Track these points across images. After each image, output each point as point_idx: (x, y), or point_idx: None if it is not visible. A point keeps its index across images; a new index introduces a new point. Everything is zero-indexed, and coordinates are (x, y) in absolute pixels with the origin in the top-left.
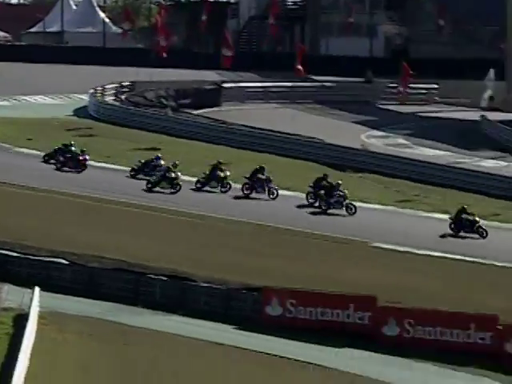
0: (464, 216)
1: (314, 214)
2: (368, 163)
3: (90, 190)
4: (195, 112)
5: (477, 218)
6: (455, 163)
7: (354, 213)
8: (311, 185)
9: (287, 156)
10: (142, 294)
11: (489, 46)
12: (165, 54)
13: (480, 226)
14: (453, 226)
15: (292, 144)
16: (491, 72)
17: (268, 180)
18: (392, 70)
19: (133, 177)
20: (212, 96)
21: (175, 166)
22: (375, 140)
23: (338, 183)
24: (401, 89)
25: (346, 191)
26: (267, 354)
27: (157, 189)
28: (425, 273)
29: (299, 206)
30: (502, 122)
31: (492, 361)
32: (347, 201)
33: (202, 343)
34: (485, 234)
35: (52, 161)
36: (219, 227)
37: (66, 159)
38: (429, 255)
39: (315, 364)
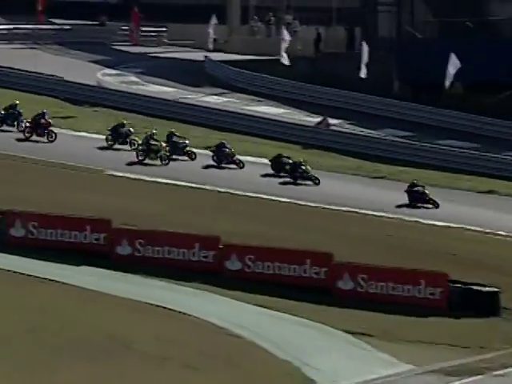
0: (416, 189)
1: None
2: (103, 99)
3: None
4: None
5: (426, 191)
6: (181, 99)
7: (318, 184)
8: (271, 161)
9: (30, 92)
10: None
11: None
12: None
13: (431, 198)
14: (409, 197)
15: (35, 81)
16: (214, 17)
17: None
18: (124, 15)
19: (110, 147)
20: None
21: (153, 135)
22: (109, 78)
23: (300, 161)
24: (134, 31)
25: (309, 167)
26: (12, 271)
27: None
28: (153, 198)
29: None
30: (223, 61)
31: (214, 277)
32: (310, 173)
33: None
34: (436, 204)
35: (4, 127)
36: None
37: (32, 126)
38: (156, 181)
39: (56, 280)
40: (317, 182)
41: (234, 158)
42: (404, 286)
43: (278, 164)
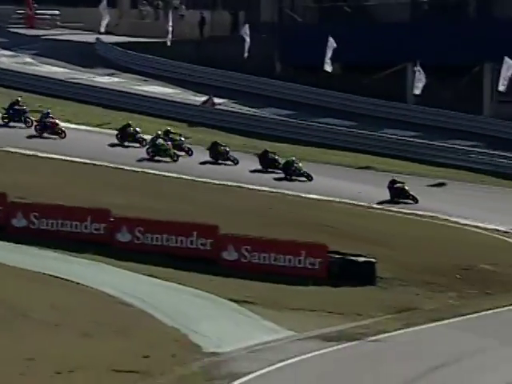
0: (396, 185)
1: None
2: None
3: None
4: None
5: (406, 187)
6: (73, 79)
7: (311, 180)
8: (259, 157)
9: None
10: None
11: None
12: None
13: (410, 194)
14: (390, 193)
15: None
16: (104, 1)
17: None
18: None
19: (121, 144)
20: None
21: (159, 136)
22: (5, 59)
23: (293, 159)
24: (29, 13)
25: (301, 164)
26: None
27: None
28: (48, 173)
29: None
30: (113, 43)
31: (105, 249)
32: (302, 170)
33: None
34: (416, 200)
35: (11, 123)
36: None
37: (41, 125)
38: (50, 157)
39: None
40: (310, 178)
41: (229, 156)
42: (285, 256)
43: (265, 160)
